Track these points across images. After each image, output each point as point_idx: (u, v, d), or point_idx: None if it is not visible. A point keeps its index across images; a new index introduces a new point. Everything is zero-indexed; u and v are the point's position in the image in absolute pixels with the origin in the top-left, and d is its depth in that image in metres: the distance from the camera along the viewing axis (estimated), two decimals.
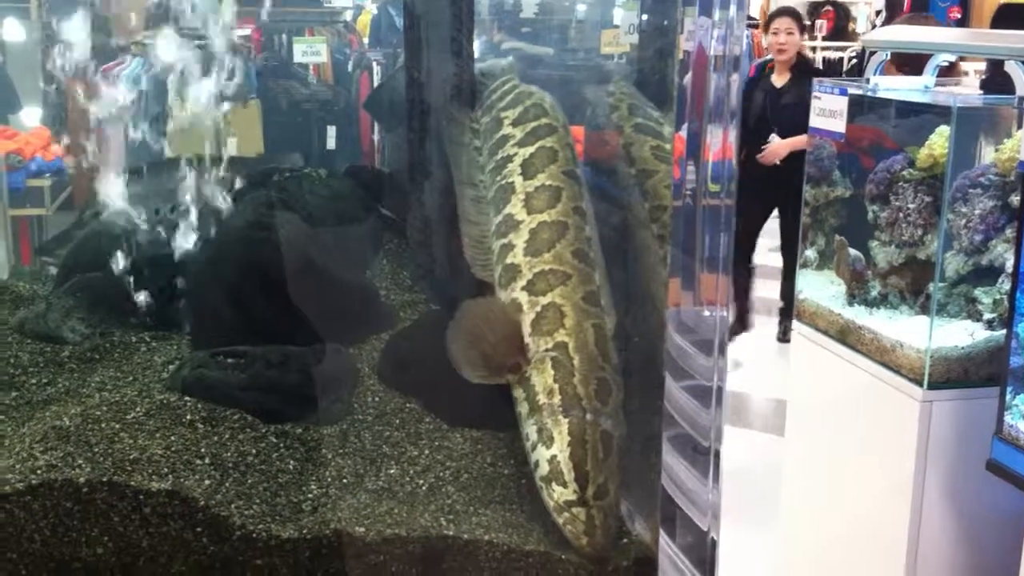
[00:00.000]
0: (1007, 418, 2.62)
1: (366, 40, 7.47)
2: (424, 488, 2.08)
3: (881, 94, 3.23)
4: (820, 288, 3.35)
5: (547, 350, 2.11)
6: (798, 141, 4.98)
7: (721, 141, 2.03)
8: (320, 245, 2.49)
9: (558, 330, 2.12)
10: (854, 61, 9.63)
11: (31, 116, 5.26)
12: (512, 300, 2.20)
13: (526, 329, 2.15)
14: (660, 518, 2.11)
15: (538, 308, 2.15)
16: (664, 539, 2.10)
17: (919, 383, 2.89)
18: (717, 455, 2.08)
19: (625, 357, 2.25)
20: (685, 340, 2.15)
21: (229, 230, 2.49)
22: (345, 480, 2.06)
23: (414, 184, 2.79)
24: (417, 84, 2.76)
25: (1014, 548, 2.63)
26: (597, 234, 2.32)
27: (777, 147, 5.33)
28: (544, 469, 2.01)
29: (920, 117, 3.07)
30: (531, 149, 2.40)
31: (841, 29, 11.45)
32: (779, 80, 5.53)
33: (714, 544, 2.07)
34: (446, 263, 2.69)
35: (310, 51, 6.14)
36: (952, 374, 2.89)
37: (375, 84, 6.20)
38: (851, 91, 3.24)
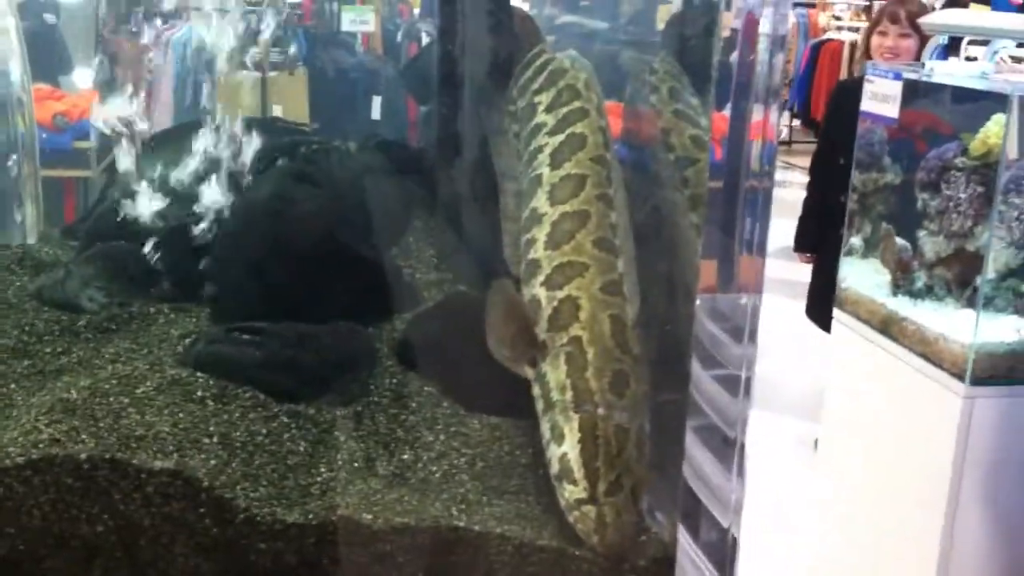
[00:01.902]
0: None
1: (417, 10, 7.41)
2: (437, 475, 2.01)
3: (936, 79, 3.13)
4: (864, 276, 3.27)
5: (562, 345, 2.03)
6: None
7: (762, 121, 1.94)
8: (343, 220, 2.43)
9: (572, 324, 2.04)
10: None
11: (82, 78, 5.25)
12: (532, 296, 2.12)
13: (543, 325, 2.07)
14: (682, 515, 2.03)
15: (555, 303, 2.07)
16: (685, 537, 2.03)
17: (961, 378, 2.80)
18: (742, 448, 2.00)
19: (654, 346, 2.17)
20: (718, 328, 2.08)
21: (249, 202, 2.43)
22: (356, 464, 2.00)
23: (444, 161, 2.71)
24: (450, 57, 2.68)
25: None
26: (626, 219, 2.23)
27: None
28: (556, 467, 1.93)
29: (976, 104, 2.97)
30: (561, 137, 2.31)
31: None
32: None
33: (735, 542, 1.99)
34: (474, 243, 2.62)
35: (359, 20, 6.07)
36: (997, 371, 2.80)
37: None
38: (906, 75, 3.14)
